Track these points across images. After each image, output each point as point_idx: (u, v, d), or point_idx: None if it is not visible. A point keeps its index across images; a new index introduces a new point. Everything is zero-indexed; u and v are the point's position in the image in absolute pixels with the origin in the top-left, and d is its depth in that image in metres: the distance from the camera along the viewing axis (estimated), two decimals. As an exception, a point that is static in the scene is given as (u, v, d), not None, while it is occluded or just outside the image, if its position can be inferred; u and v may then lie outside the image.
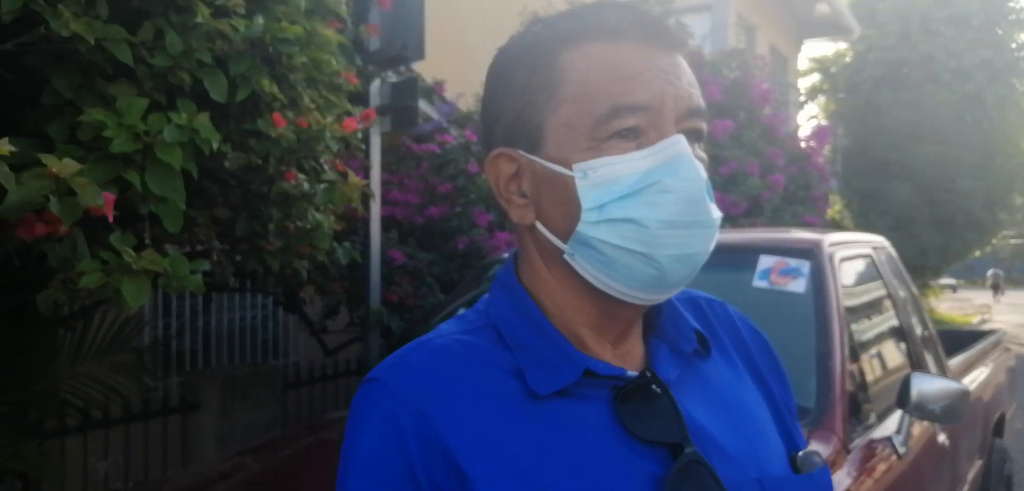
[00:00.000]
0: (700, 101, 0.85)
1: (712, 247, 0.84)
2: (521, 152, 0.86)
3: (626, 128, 0.80)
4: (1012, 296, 32.52)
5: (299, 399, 5.03)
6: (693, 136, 0.84)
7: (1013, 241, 36.81)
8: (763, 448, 0.90)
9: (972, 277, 37.56)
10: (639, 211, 0.79)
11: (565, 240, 0.84)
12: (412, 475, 0.78)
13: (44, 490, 3.57)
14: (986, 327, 12.63)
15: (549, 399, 0.81)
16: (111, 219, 1.95)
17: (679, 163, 0.80)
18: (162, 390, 4.28)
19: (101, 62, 2.08)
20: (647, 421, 0.82)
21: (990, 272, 31.55)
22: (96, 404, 3.80)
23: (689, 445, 0.81)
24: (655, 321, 0.92)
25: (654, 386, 0.85)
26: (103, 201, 1.90)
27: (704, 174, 0.83)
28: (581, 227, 0.81)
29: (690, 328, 0.92)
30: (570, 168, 0.82)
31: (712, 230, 0.83)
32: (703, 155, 0.86)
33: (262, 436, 4.50)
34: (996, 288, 29.82)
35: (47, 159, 1.84)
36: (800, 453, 0.95)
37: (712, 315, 1.00)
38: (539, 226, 0.86)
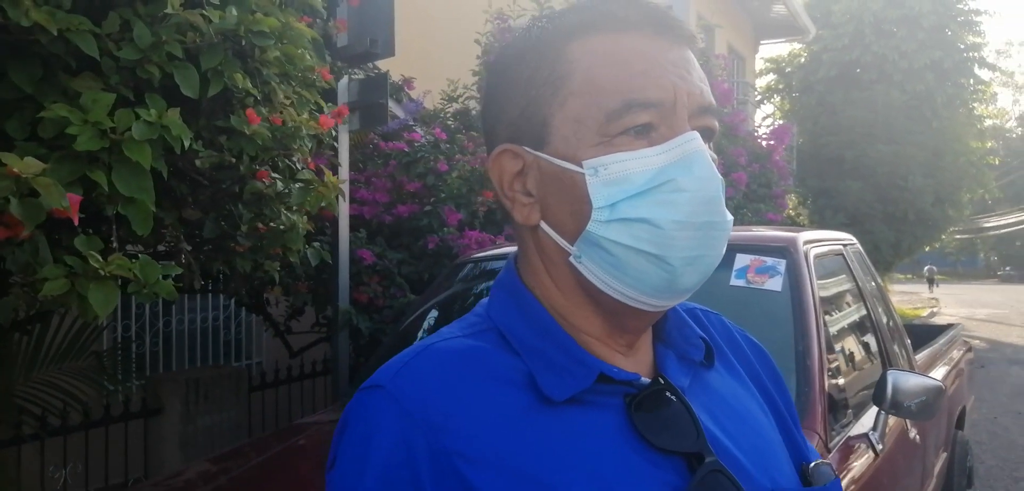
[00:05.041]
0: (711, 98, 0.82)
1: (723, 251, 0.80)
2: (527, 148, 0.82)
3: (639, 125, 0.77)
4: (946, 288, 34.27)
5: (264, 401, 4.91)
6: (705, 134, 0.80)
7: (958, 236, 38.09)
8: (773, 460, 0.88)
9: (918, 271, 38.92)
10: (652, 210, 0.76)
11: (572, 241, 0.80)
12: None
13: (-1, 501, 3.43)
14: (937, 320, 13.01)
15: (561, 407, 0.77)
16: (76, 221, 1.85)
17: (693, 161, 0.77)
18: (123, 394, 4.14)
19: (64, 54, 1.98)
20: (664, 429, 0.78)
21: (926, 267, 33.22)
22: (54, 410, 3.66)
23: (709, 454, 0.78)
24: (661, 329, 0.89)
25: (668, 393, 0.81)
26: (68, 202, 1.81)
27: (719, 174, 0.79)
28: (591, 226, 0.77)
29: (697, 336, 0.90)
30: (580, 165, 0.78)
31: (725, 232, 0.79)
32: (714, 155, 0.82)
33: (227, 439, 4.39)
34: (931, 282, 31.39)
35: (7, 158, 1.74)
36: (811, 465, 0.93)
37: (710, 326, 0.97)
38: (544, 226, 0.82)
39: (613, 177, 0.76)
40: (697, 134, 0.78)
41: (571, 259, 0.80)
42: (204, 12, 2.08)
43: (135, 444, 4.21)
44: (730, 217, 0.80)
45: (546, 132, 0.80)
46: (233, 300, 5.16)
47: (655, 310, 0.81)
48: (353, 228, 4.61)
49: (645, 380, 0.82)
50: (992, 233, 42.60)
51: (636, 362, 0.85)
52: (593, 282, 0.80)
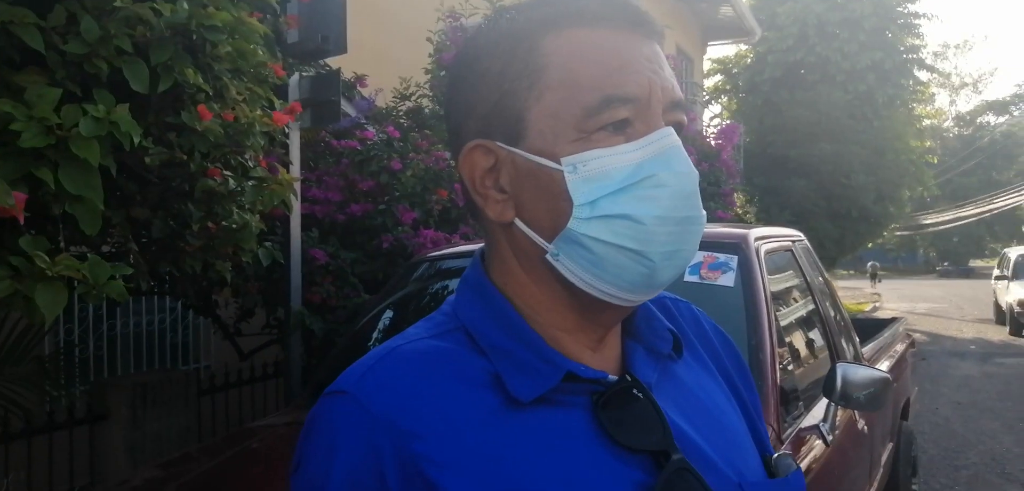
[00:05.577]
0: (681, 93, 0.82)
1: (698, 245, 0.80)
2: (500, 144, 0.80)
3: (617, 120, 0.76)
4: (887, 283, 35.53)
5: (214, 405, 4.82)
6: (676, 129, 0.80)
7: (899, 233, 39.32)
8: (739, 452, 0.88)
9: (860, 267, 40.08)
10: (634, 206, 0.75)
11: (549, 238, 0.78)
12: None
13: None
14: (880, 314, 13.38)
15: (529, 407, 0.76)
16: (22, 221, 1.79)
17: (671, 156, 0.77)
18: (66, 400, 4.02)
19: (7, 48, 1.91)
20: (631, 427, 0.78)
21: (869, 263, 34.42)
22: (-6, 418, 3.54)
23: (676, 452, 0.78)
24: (629, 323, 0.88)
25: (635, 390, 0.81)
26: (13, 201, 1.74)
27: (695, 169, 0.79)
28: (572, 224, 0.76)
29: (665, 329, 0.89)
30: (558, 161, 0.76)
31: (701, 226, 0.80)
32: None
33: (176, 446, 4.29)
34: (874, 277, 32.55)
35: (-52, 154, 1.67)
36: (774, 457, 0.93)
37: (679, 315, 0.97)
38: (518, 224, 0.80)
39: (593, 173, 0.76)
40: (672, 129, 0.78)
41: (548, 257, 0.79)
42: (154, 5, 2.03)
43: (80, 451, 4.09)
44: (704, 212, 0.80)
45: (521, 127, 0.78)
46: (180, 302, 5.04)
47: (631, 305, 0.81)
48: (305, 227, 4.55)
49: (612, 378, 0.81)
50: (931, 230, 44.04)
51: (604, 358, 0.84)
52: (570, 279, 0.79)
